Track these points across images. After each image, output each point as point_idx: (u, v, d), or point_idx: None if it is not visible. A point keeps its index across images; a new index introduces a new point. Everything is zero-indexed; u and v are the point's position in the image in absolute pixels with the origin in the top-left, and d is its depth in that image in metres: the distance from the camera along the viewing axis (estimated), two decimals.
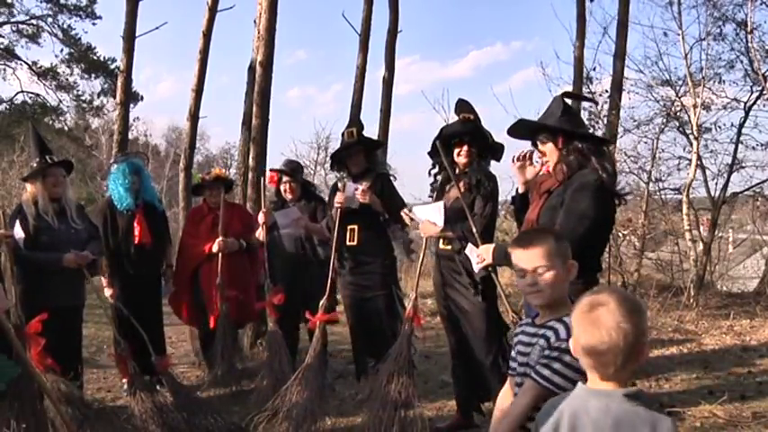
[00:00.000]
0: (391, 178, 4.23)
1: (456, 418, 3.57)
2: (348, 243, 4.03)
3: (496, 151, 3.50)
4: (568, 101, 2.75)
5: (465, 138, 3.36)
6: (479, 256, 2.85)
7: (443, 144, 3.33)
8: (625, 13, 8.52)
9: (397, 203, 3.97)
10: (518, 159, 2.96)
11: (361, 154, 4.10)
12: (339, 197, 3.93)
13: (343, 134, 4.20)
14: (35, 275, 3.55)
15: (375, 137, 9.39)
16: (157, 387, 3.95)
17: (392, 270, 4.14)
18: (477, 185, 3.31)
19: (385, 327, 3.92)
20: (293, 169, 4.62)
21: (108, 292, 4.22)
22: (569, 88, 8.42)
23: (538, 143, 2.69)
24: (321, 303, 3.89)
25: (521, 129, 2.80)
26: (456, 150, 3.39)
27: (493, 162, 3.56)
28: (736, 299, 7.55)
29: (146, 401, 3.54)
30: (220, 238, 4.36)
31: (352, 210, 3.92)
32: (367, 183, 3.99)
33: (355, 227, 4.00)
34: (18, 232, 3.53)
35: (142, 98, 21.09)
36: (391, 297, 4.01)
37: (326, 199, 4.46)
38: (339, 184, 4.09)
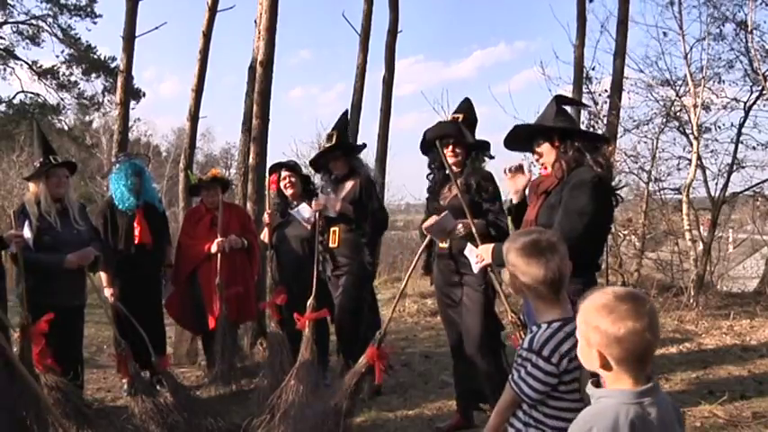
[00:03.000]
0: (372, 180, 4.25)
1: (456, 418, 3.58)
2: (331, 245, 4.10)
3: (484, 148, 3.49)
4: (566, 107, 2.75)
5: (449, 140, 3.36)
6: (479, 256, 2.85)
7: (434, 146, 3.35)
8: (625, 12, 8.52)
9: (373, 208, 4.06)
10: (509, 171, 2.98)
11: (342, 158, 4.15)
12: (315, 204, 4.06)
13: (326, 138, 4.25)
14: (38, 275, 3.55)
15: (375, 137, 9.44)
16: (157, 387, 3.96)
17: (366, 272, 4.17)
18: (477, 189, 3.32)
19: (350, 326, 4.02)
20: (292, 164, 4.63)
21: (108, 291, 4.21)
22: (569, 88, 8.42)
23: (535, 147, 2.69)
24: (309, 303, 3.92)
25: (516, 139, 2.81)
26: (444, 152, 3.37)
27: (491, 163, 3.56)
28: (736, 299, 7.54)
29: (146, 401, 3.55)
30: (219, 239, 4.36)
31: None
32: (351, 182, 4.09)
33: (337, 229, 4.10)
34: (27, 233, 3.53)
35: (144, 94, 21.13)
36: (361, 299, 4.09)
37: None
38: (319, 192, 4.20)
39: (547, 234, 1.86)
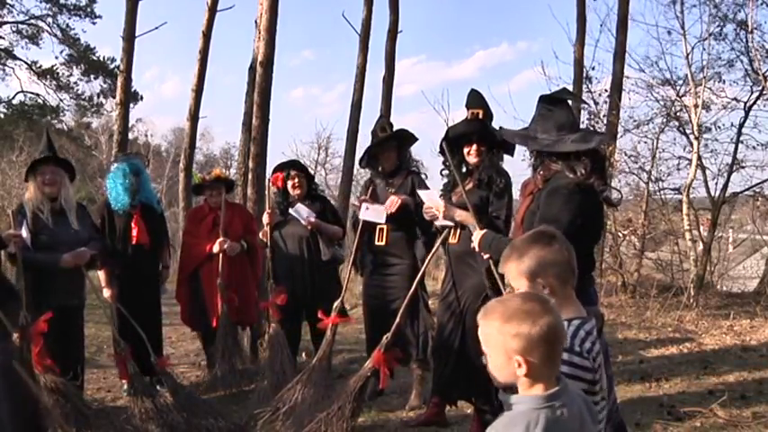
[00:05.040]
0: (422, 176, 4.10)
1: (430, 411, 3.55)
2: (377, 243, 3.96)
3: (508, 146, 3.43)
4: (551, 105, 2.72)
5: (472, 137, 3.32)
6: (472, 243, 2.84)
7: (453, 143, 3.31)
8: (625, 11, 8.53)
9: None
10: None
11: (395, 150, 4.02)
12: (362, 200, 3.95)
13: (374, 130, 4.10)
14: (36, 275, 3.54)
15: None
16: (157, 387, 3.96)
17: (417, 271, 4.00)
18: (488, 183, 3.30)
19: (407, 330, 3.87)
20: (302, 165, 4.62)
21: (107, 292, 4.21)
22: (570, 88, 8.42)
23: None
24: (335, 305, 3.82)
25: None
26: (465, 150, 3.34)
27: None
28: (736, 299, 7.54)
29: (146, 401, 3.55)
30: (221, 239, 4.37)
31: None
32: (398, 180, 3.99)
33: (384, 226, 3.93)
34: (25, 233, 3.50)
35: (142, 98, 21.15)
36: (416, 300, 3.90)
37: (330, 199, 4.46)
38: (370, 187, 4.07)
39: (544, 227, 1.90)
